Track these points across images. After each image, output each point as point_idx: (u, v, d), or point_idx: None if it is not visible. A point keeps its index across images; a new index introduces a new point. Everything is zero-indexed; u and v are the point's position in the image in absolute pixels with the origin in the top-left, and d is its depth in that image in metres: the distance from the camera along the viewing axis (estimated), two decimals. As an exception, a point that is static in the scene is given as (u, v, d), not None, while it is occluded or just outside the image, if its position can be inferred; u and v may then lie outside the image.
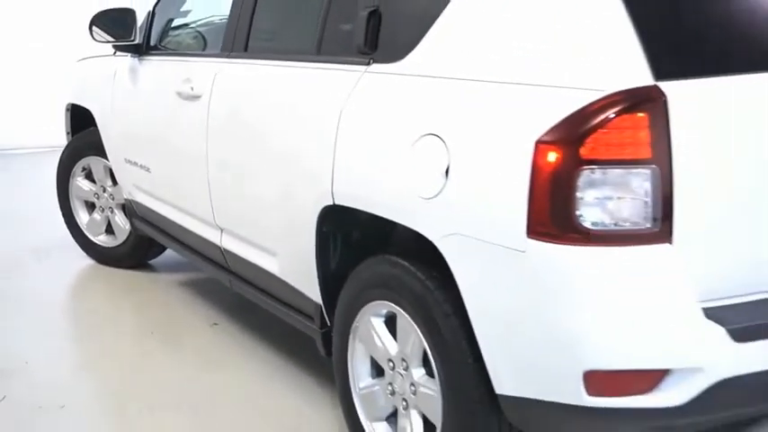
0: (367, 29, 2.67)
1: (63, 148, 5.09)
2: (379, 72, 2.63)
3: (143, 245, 4.81)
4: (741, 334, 2.04)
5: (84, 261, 5.03)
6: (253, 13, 3.36)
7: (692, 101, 2.03)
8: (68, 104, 5.05)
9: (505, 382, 2.23)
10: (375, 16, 2.66)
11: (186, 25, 4.39)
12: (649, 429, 2.21)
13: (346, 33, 2.82)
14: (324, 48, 2.95)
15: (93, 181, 4.95)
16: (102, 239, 5.00)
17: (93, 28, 4.17)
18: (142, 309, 4.46)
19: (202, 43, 4.16)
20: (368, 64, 2.68)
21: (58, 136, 5.99)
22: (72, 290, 4.88)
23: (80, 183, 4.97)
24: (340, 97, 2.72)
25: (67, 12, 8.51)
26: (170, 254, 4.86)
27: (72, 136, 5.09)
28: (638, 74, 2.00)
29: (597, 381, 2.06)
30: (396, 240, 2.70)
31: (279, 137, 3.05)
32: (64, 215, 5.09)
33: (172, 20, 4.26)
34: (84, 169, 4.95)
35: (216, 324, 4.15)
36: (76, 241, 5.08)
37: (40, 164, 7.64)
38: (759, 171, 2.13)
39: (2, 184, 7.62)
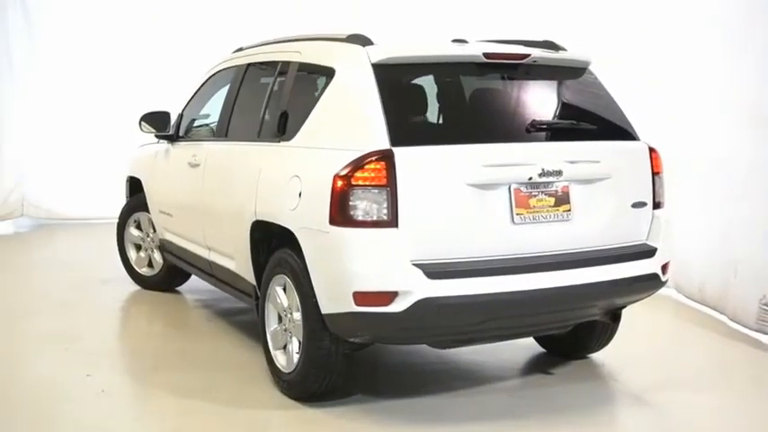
0: (279, 123, 4.80)
1: (122, 207, 7.19)
2: (282, 146, 4.73)
3: (171, 275, 6.88)
4: (431, 275, 3.97)
5: (132, 286, 7.11)
6: (230, 117, 5.54)
7: (408, 157, 4.03)
8: (128, 177, 7.17)
9: (324, 305, 4.19)
10: (283, 116, 4.79)
11: (204, 123, 6.37)
12: (392, 329, 4.11)
13: (271, 126, 4.94)
14: (261, 134, 5.06)
15: (140, 230, 7.04)
16: (144, 271, 7.06)
17: (142, 123, 6.32)
18: (167, 312, 6.53)
19: (210, 133, 6.13)
20: (278, 142, 4.78)
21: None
22: (124, 301, 6.88)
23: (132, 231, 7.08)
24: (263, 159, 4.83)
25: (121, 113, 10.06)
26: (188, 284, 6.96)
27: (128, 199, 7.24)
28: (382, 143, 4.04)
29: (359, 297, 4.00)
30: (286, 240, 4.70)
31: (235, 184, 5.13)
32: (120, 254, 7.16)
33: (194, 119, 6.35)
34: (135, 221, 7.05)
35: (210, 321, 6.21)
36: (127, 272, 7.14)
37: (94, 230, 9.87)
38: None
39: (75, 243, 9.82)
